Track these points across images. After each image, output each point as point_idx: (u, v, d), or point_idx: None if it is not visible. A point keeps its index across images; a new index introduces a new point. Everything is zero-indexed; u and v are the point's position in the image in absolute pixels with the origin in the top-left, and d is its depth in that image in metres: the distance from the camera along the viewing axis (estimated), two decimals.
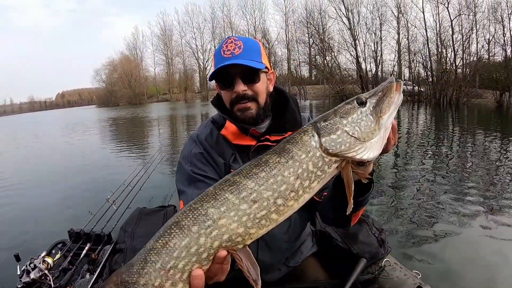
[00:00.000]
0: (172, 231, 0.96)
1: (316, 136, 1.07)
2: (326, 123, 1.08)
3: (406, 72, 39.73)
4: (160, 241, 0.96)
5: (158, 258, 0.94)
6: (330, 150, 1.05)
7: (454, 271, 3.72)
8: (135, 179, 3.86)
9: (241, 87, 1.63)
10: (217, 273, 0.99)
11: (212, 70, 1.71)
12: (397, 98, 1.11)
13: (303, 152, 1.05)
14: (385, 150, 1.23)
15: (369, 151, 1.07)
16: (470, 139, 12.19)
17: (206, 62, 69.50)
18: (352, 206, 1.09)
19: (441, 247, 4.24)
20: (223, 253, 0.97)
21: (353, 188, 1.09)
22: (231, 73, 1.63)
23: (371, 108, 1.09)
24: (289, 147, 1.06)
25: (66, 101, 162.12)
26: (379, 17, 38.10)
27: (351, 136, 1.06)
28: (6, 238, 5.08)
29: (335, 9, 39.81)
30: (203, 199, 0.99)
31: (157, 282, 0.93)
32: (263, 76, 1.69)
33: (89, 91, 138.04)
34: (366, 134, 1.06)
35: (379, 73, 38.13)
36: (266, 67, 1.69)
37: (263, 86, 1.70)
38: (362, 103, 1.10)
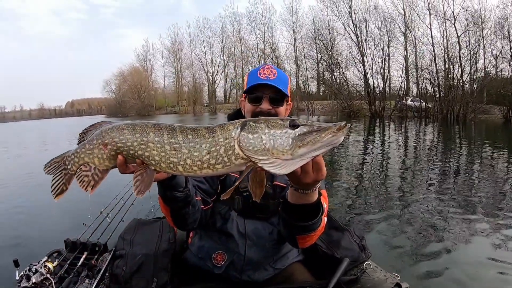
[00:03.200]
0: (128, 126, 1.28)
1: (239, 129, 1.18)
2: (253, 124, 1.18)
3: (413, 88, 39.91)
4: (122, 126, 1.29)
5: (115, 131, 1.28)
6: (241, 145, 1.16)
7: (433, 275, 3.91)
8: (127, 193, 3.89)
9: (266, 106, 1.94)
10: (133, 171, 1.28)
11: (245, 85, 2.03)
12: (327, 139, 1.11)
13: (223, 136, 1.19)
14: (298, 181, 1.33)
15: (273, 166, 1.14)
16: (477, 155, 12.30)
17: (215, 76, 69.94)
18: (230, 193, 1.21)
19: (425, 257, 4.36)
20: (138, 161, 1.26)
21: (235, 185, 1.21)
22: (263, 93, 1.94)
23: (296, 134, 1.13)
24: (217, 129, 1.21)
25: (76, 109, 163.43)
26: (387, 33, 38.52)
27: (263, 144, 1.14)
28: None
29: (344, 25, 40.24)
30: (154, 125, 1.26)
31: (108, 140, 1.28)
32: (285, 104, 2.02)
33: (98, 101, 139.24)
34: (276, 150, 1.12)
35: (386, 89, 38.34)
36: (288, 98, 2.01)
37: (283, 112, 2.01)
38: (293, 126, 1.15)
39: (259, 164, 1.14)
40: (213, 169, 1.19)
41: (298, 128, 1.15)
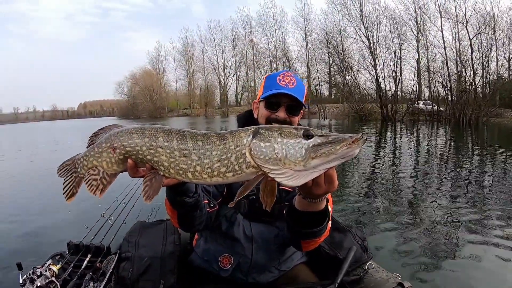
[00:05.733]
0: (138, 130, 1.25)
1: (251, 137, 1.14)
2: (266, 132, 1.14)
3: (425, 91, 39.88)
4: (131, 130, 1.26)
5: (124, 135, 1.26)
6: (252, 153, 1.12)
7: (434, 275, 3.94)
8: (128, 195, 3.85)
9: (283, 114, 1.92)
10: (142, 176, 1.25)
11: (261, 89, 2.02)
12: (342, 152, 1.07)
13: (234, 144, 1.15)
14: (309, 192, 1.32)
15: (284, 177, 1.10)
16: (489, 159, 12.21)
17: (227, 78, 70.35)
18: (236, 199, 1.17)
19: (426, 257, 4.38)
20: (148, 165, 1.23)
21: (244, 192, 1.15)
22: (280, 100, 1.91)
23: (310, 145, 1.09)
24: (228, 136, 1.17)
25: (88, 111, 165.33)
26: (398, 36, 38.35)
27: (275, 153, 1.10)
28: None
29: (355, 29, 40.32)
30: (164, 130, 1.23)
31: (116, 144, 1.26)
32: (300, 114, 2.02)
33: (110, 103, 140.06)
34: (288, 161, 1.09)
35: (398, 93, 38.06)
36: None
37: (297, 121, 2.00)
38: (307, 136, 1.11)
39: (270, 174, 1.12)
40: (223, 177, 1.17)
41: (312, 139, 1.11)
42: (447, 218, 5.86)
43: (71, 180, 1.34)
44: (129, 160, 1.24)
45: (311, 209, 1.46)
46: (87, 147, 1.34)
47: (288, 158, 1.09)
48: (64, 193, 1.33)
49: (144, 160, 1.23)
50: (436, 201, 6.89)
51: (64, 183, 1.34)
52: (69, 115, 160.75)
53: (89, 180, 1.30)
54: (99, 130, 1.37)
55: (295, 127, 1.17)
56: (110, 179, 1.30)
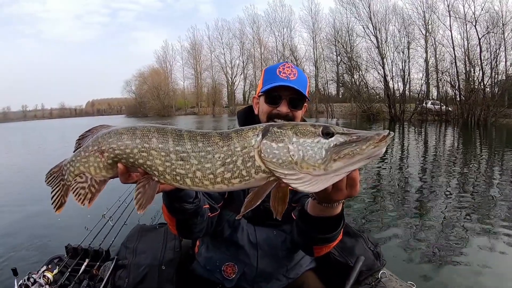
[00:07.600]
0: (128, 131, 1.12)
1: (260, 136, 1.00)
2: (278, 131, 1.00)
3: (434, 91, 39.54)
4: (121, 130, 1.13)
5: (113, 136, 1.13)
6: (263, 155, 0.98)
7: (451, 285, 3.88)
8: (131, 195, 3.53)
9: (285, 109, 1.77)
10: (135, 181, 1.12)
11: (261, 82, 1.88)
12: (368, 152, 0.94)
13: (240, 145, 1.01)
14: (328, 197, 1.18)
15: (301, 183, 0.97)
16: (498, 161, 12.20)
17: (235, 77, 70.24)
18: (244, 211, 1.01)
19: (442, 265, 4.31)
20: (140, 170, 1.10)
21: (254, 202, 0.99)
22: (281, 94, 1.77)
23: (331, 145, 0.95)
24: (233, 135, 1.03)
25: (96, 109, 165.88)
26: (407, 35, 38.07)
27: (290, 156, 0.96)
28: None
29: (363, 28, 39.88)
30: (158, 130, 1.10)
31: (104, 147, 1.13)
32: (303, 107, 1.87)
33: (118, 101, 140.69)
34: (306, 164, 0.95)
35: (406, 92, 37.91)
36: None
37: (300, 115, 1.86)
38: (327, 134, 0.98)
39: (284, 180, 0.98)
40: (228, 184, 1.03)
41: (333, 137, 0.97)
42: (459, 222, 5.81)
43: (59, 189, 1.23)
44: (119, 165, 1.12)
45: (326, 215, 1.34)
46: (73, 151, 1.22)
47: (306, 161, 0.96)
48: (52, 203, 1.22)
49: (136, 164, 1.11)
50: (447, 204, 6.92)
51: (51, 192, 1.23)
52: (77, 113, 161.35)
53: (76, 188, 1.18)
54: (86, 131, 1.24)
55: (312, 124, 1.03)
56: (99, 186, 1.18)
